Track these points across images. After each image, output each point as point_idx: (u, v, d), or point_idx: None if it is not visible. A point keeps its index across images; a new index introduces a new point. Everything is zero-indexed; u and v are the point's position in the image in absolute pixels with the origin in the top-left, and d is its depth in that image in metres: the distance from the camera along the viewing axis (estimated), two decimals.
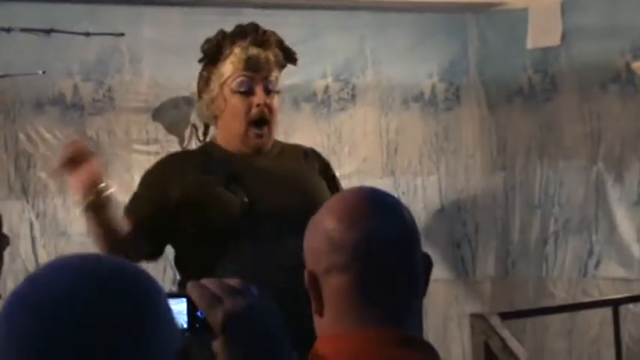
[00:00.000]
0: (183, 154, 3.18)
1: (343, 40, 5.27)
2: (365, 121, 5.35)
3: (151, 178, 2.99)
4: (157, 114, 4.76)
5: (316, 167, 3.07)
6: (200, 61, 3.01)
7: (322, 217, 1.57)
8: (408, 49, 5.40)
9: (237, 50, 2.94)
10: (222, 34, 2.99)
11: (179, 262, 2.95)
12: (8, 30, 4.32)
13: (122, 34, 4.57)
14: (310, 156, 3.10)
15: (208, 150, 3.02)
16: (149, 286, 1.09)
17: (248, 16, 4.92)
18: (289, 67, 4.95)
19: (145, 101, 4.77)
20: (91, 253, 1.14)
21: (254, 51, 2.95)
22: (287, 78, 5.04)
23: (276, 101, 2.98)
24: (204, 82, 3.00)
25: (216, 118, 2.99)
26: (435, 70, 5.51)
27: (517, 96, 5.46)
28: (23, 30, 4.34)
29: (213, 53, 2.98)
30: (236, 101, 2.93)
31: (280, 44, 3.03)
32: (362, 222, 1.53)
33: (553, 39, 5.20)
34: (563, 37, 5.18)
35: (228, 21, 4.58)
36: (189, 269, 2.86)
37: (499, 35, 5.49)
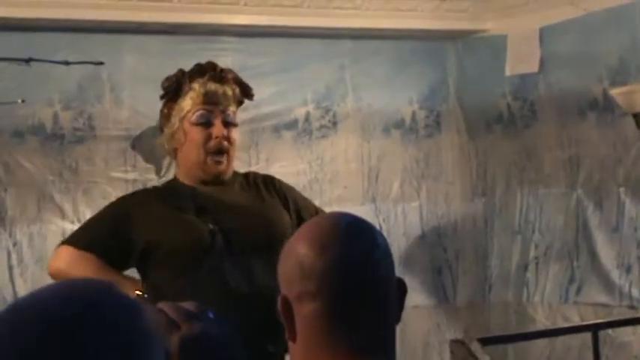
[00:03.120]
0: (149, 190, 3.26)
1: (324, 67, 5.29)
2: (346, 148, 5.36)
3: (112, 210, 3.06)
4: (136, 143, 4.76)
5: (276, 195, 3.14)
6: (161, 97, 3.08)
7: (295, 242, 1.57)
8: (388, 77, 5.43)
9: (195, 85, 3.04)
10: (181, 72, 3.09)
11: (147, 287, 2.99)
12: None
13: (102, 63, 4.58)
14: (270, 184, 3.17)
15: (172, 186, 3.11)
16: (140, 312, 1.09)
17: (228, 44, 4.98)
18: (270, 94, 5.04)
19: (125, 129, 4.77)
20: (94, 279, 1.13)
21: (212, 86, 3.05)
22: (268, 105, 5.11)
23: (234, 133, 3.07)
24: (164, 117, 3.10)
25: (175, 151, 3.09)
26: (415, 97, 5.53)
27: (497, 123, 5.49)
28: (2, 59, 4.33)
29: (173, 90, 3.07)
30: (195, 133, 3.02)
31: (237, 80, 3.12)
32: (332, 249, 1.53)
33: (531, 66, 5.23)
34: (542, 64, 5.21)
35: (209, 49, 4.67)
36: (155, 293, 2.90)
37: (478, 62, 5.52)
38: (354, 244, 1.55)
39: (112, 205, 3.11)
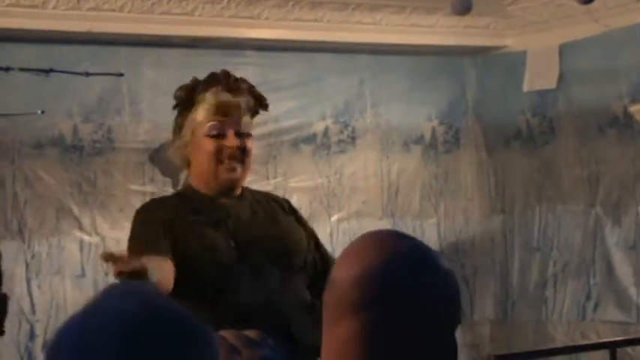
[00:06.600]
0: (170, 198, 3.22)
1: (343, 82, 5.30)
2: (365, 163, 5.36)
3: (153, 217, 3.00)
4: (155, 156, 4.77)
5: (292, 215, 3.13)
6: (174, 107, 3.06)
7: (338, 263, 1.57)
8: (407, 92, 5.43)
9: (208, 96, 3.00)
10: (195, 81, 3.05)
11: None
12: (7, 69, 4.33)
13: (121, 75, 4.59)
14: (284, 205, 3.15)
15: (190, 195, 3.07)
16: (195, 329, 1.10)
17: (248, 57, 5.00)
18: (289, 108, 5.05)
19: (144, 142, 4.78)
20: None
21: (225, 96, 3.01)
22: (287, 119, 5.12)
23: (250, 143, 3.03)
24: (178, 127, 3.06)
25: (188, 162, 3.05)
26: (434, 113, 5.53)
27: (515, 139, 5.47)
28: (22, 69, 4.34)
29: (185, 100, 3.03)
30: (208, 144, 2.98)
31: (251, 90, 3.08)
32: (369, 270, 1.52)
33: (549, 82, 5.22)
34: (561, 80, 5.20)
35: (229, 62, 4.65)
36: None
37: (497, 78, 5.51)
38: (390, 265, 1.54)
39: (144, 219, 2.98)
